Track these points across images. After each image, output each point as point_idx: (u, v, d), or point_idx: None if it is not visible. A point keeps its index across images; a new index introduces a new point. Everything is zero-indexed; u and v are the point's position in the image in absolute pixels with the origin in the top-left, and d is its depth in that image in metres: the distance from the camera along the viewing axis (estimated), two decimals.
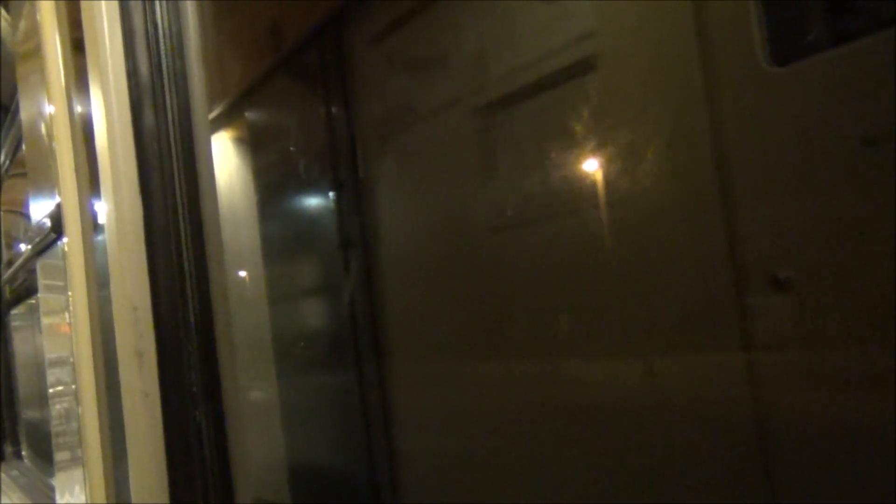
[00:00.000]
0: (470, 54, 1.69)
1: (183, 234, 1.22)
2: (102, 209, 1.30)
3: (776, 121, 1.08)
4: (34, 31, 1.76)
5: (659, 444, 1.30)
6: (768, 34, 1.10)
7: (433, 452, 1.90)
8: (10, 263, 3.26)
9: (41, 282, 2.05)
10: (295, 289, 2.53)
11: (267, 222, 2.62)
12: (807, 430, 1.07)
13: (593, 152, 1.42)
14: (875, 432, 0.98)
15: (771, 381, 1.12)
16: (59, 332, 1.82)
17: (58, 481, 2.04)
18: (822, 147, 1.03)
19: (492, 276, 1.66)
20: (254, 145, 2.64)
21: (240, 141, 2.68)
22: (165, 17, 1.26)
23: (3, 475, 3.69)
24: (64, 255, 1.58)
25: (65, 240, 1.55)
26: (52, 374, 1.96)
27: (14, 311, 3.99)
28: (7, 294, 3.85)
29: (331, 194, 2.26)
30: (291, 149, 2.48)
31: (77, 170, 1.49)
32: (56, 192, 1.59)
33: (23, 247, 2.77)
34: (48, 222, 1.66)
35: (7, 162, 3.62)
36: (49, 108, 1.63)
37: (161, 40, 1.24)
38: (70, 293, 1.53)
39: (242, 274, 2.59)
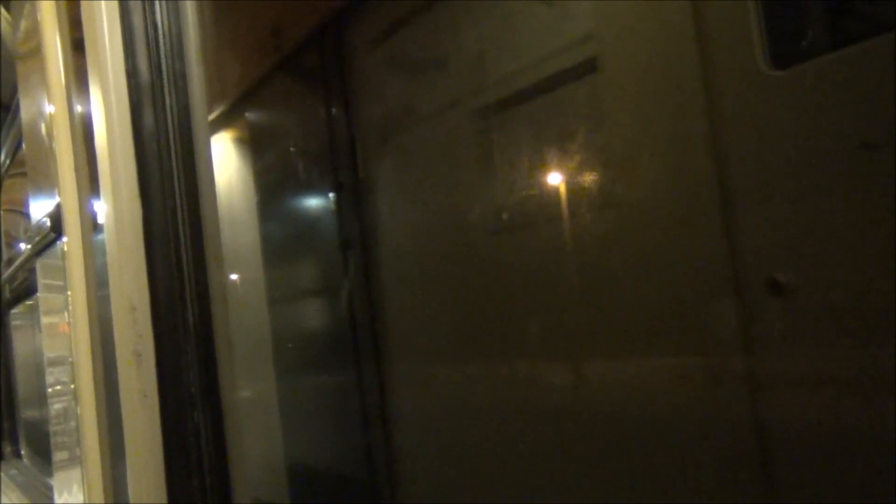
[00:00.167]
0: (470, 56, 1.69)
1: (182, 235, 1.22)
2: (102, 209, 1.30)
3: (775, 124, 1.09)
4: (34, 30, 1.76)
5: (657, 447, 1.30)
6: (768, 37, 1.10)
7: (431, 452, 1.90)
8: (9, 263, 3.26)
9: (41, 281, 2.05)
10: (294, 289, 2.53)
11: (266, 223, 2.62)
12: (806, 434, 1.08)
13: (593, 155, 1.42)
14: (874, 435, 0.98)
15: (769, 384, 1.12)
16: (58, 331, 1.82)
17: (56, 481, 2.04)
18: (821, 150, 1.03)
19: (491, 278, 1.66)
20: (254, 146, 2.64)
21: (240, 142, 2.68)
22: (165, 18, 1.26)
23: (2, 474, 3.69)
24: (63, 255, 1.58)
25: (64, 239, 1.55)
26: (51, 374, 1.96)
27: (14, 311, 3.99)
28: (7, 293, 3.85)
29: (330, 195, 2.26)
30: (291, 150, 2.48)
31: (77, 170, 1.49)
32: (56, 191, 1.59)
33: (23, 246, 2.77)
34: (48, 222, 1.66)
35: (7, 161, 3.62)
36: (49, 108, 1.63)
37: (161, 40, 1.24)
38: (69, 293, 1.53)
39: (242, 274, 2.59)
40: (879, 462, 0.98)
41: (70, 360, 1.60)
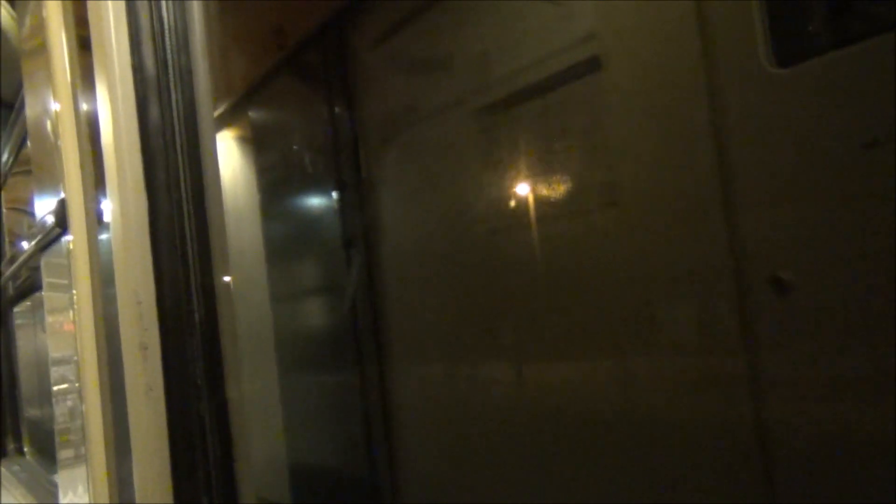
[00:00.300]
0: (472, 55, 1.69)
1: (188, 230, 1.23)
2: (107, 205, 1.30)
3: (778, 122, 1.09)
4: (39, 27, 1.77)
5: (658, 448, 1.30)
6: (771, 36, 1.10)
7: (433, 451, 1.91)
8: (13, 260, 3.26)
9: (45, 279, 2.05)
10: (296, 287, 2.54)
11: (269, 221, 2.62)
12: (808, 433, 1.08)
13: (595, 153, 1.42)
14: (877, 435, 0.98)
15: (771, 383, 1.12)
16: (62, 328, 1.83)
17: (60, 477, 2.05)
18: (824, 149, 1.03)
19: (493, 276, 1.67)
20: (256, 144, 2.65)
21: (242, 139, 2.68)
22: (171, 15, 1.27)
23: (5, 471, 3.69)
24: (68, 252, 1.59)
25: (69, 236, 1.56)
26: (55, 371, 1.96)
27: (17, 309, 3.99)
28: (10, 291, 3.85)
29: (333, 194, 2.27)
30: (294, 148, 2.49)
31: (82, 166, 1.49)
32: (61, 188, 1.59)
33: (25, 244, 2.77)
34: (52, 219, 1.66)
35: (11, 159, 3.62)
36: (54, 105, 1.63)
37: (167, 37, 1.25)
38: (74, 290, 1.53)
39: (244, 272, 2.60)
40: (883, 463, 0.98)
41: (75, 356, 1.60)
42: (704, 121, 1.18)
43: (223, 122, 2.65)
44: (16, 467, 3.71)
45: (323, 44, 2.23)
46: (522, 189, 1.60)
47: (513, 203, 1.62)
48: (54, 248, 1.83)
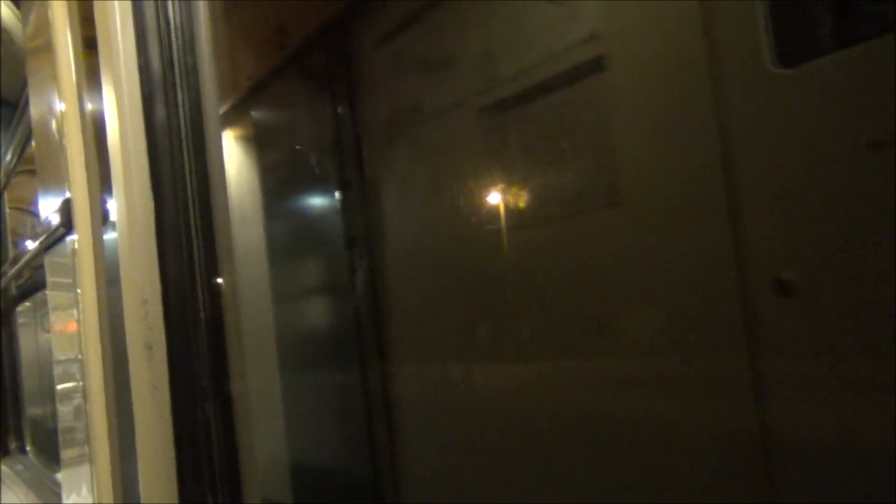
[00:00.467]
0: (476, 55, 1.69)
1: (193, 229, 1.23)
2: (113, 204, 1.31)
3: (782, 122, 1.09)
4: (44, 26, 1.77)
5: (659, 449, 1.30)
6: (775, 36, 1.10)
7: (435, 451, 1.91)
8: (16, 260, 3.27)
9: (49, 278, 2.06)
10: (299, 287, 2.54)
11: (272, 220, 2.62)
12: (811, 437, 1.08)
13: (599, 153, 1.42)
14: (882, 439, 0.98)
15: (774, 385, 1.12)
16: (66, 327, 1.83)
17: (63, 476, 2.05)
18: (828, 149, 1.03)
19: (496, 277, 1.67)
20: (259, 143, 2.65)
21: (246, 139, 2.69)
22: (177, 15, 1.27)
23: (7, 470, 3.70)
24: (73, 251, 1.59)
25: (74, 235, 1.56)
26: (59, 370, 1.97)
27: (20, 308, 4.00)
28: (13, 290, 3.86)
29: (336, 193, 2.27)
30: (298, 147, 2.49)
31: (87, 166, 1.50)
32: (65, 187, 1.59)
33: (29, 243, 2.77)
34: (57, 218, 1.67)
35: (15, 159, 3.63)
36: (59, 105, 1.63)
37: (173, 37, 1.25)
38: (79, 289, 1.54)
39: (247, 271, 2.60)
40: (888, 468, 0.98)
41: (79, 356, 1.61)
42: (708, 121, 1.18)
43: (226, 122, 2.65)
44: (18, 466, 3.71)
45: (326, 43, 2.23)
46: (525, 190, 1.60)
47: (516, 203, 1.62)
48: (59, 247, 1.83)
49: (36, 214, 2.79)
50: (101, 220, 1.48)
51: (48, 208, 1.89)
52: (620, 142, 1.36)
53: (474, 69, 1.71)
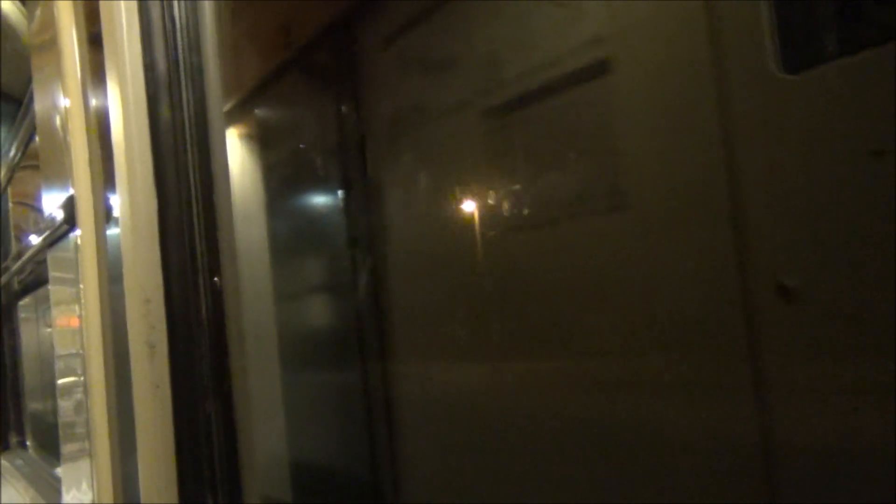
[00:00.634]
0: (481, 56, 1.69)
1: (196, 227, 1.23)
2: (116, 202, 1.31)
3: (786, 128, 1.09)
4: (49, 23, 1.77)
5: (660, 453, 1.30)
6: (780, 41, 1.10)
7: (436, 451, 1.91)
8: (19, 255, 3.27)
9: (51, 274, 2.06)
10: (301, 286, 2.54)
11: (274, 219, 2.63)
12: (813, 442, 1.07)
13: (602, 157, 1.42)
14: (884, 445, 0.98)
15: (776, 390, 1.12)
16: (68, 323, 1.83)
17: (63, 472, 2.05)
18: (831, 156, 1.03)
19: (499, 278, 1.67)
20: (263, 142, 2.65)
21: (249, 137, 2.69)
22: (183, 13, 1.27)
23: (7, 464, 3.70)
24: (76, 248, 1.59)
25: (77, 232, 1.56)
26: (60, 366, 1.97)
27: (22, 303, 4.01)
28: (16, 286, 3.86)
29: (339, 193, 2.27)
30: (301, 146, 2.49)
31: (91, 163, 1.50)
32: (69, 184, 1.60)
33: (32, 239, 2.78)
34: (60, 214, 1.67)
35: (19, 154, 3.63)
36: (64, 101, 1.63)
37: (178, 36, 1.25)
38: (82, 285, 1.54)
39: (250, 270, 2.60)
40: (890, 474, 0.97)
41: (81, 352, 1.61)
42: (711, 126, 1.18)
43: (230, 120, 2.65)
44: (18, 461, 3.72)
45: (331, 43, 2.23)
46: (528, 191, 1.60)
47: (518, 205, 1.62)
48: (62, 243, 1.84)
49: (39, 210, 2.80)
50: (105, 217, 1.48)
51: (51, 204, 1.90)
52: (624, 145, 1.36)
53: (479, 70, 1.71)
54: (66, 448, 1.95)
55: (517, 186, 1.62)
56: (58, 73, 1.67)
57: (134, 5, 1.24)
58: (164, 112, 1.24)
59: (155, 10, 1.25)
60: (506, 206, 1.65)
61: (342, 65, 2.20)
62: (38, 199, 3.12)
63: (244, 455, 1.23)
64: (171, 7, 1.26)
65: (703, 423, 1.23)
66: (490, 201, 1.69)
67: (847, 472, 1.03)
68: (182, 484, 1.19)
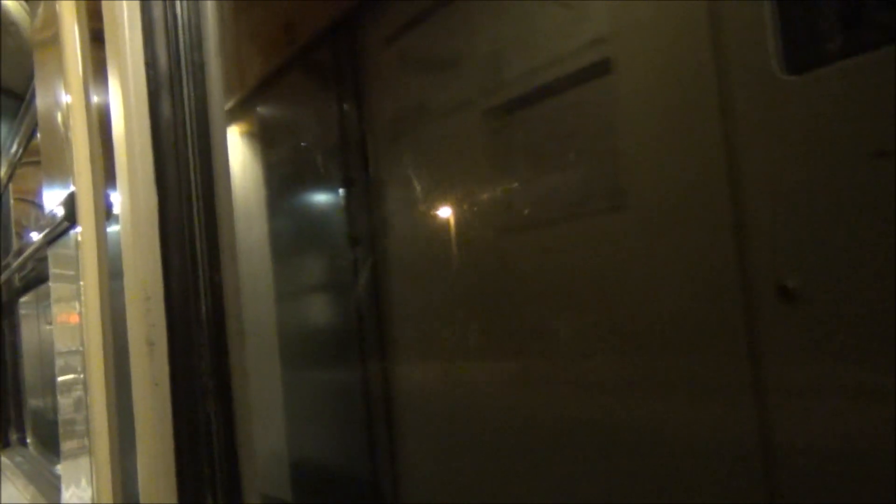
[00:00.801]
0: (483, 56, 1.69)
1: (197, 226, 1.23)
2: (117, 199, 1.31)
3: (788, 129, 1.09)
4: (52, 19, 1.77)
5: (661, 454, 1.30)
6: (783, 42, 1.10)
7: (436, 451, 1.91)
8: (20, 252, 3.27)
9: (52, 270, 2.06)
10: (302, 284, 2.54)
11: (276, 217, 2.63)
12: (813, 444, 1.07)
13: (604, 157, 1.42)
14: (884, 446, 0.98)
15: (777, 392, 1.12)
16: (69, 320, 1.83)
17: (63, 469, 2.05)
18: (834, 157, 1.03)
19: (499, 277, 1.67)
20: (265, 140, 2.65)
21: (251, 135, 2.69)
22: (184, 10, 1.27)
23: (7, 461, 3.70)
24: (77, 244, 1.59)
25: (78, 229, 1.56)
26: (61, 363, 1.97)
27: (23, 300, 4.00)
28: (16, 282, 3.86)
29: (340, 191, 2.27)
30: (303, 144, 2.49)
31: (92, 160, 1.50)
32: (70, 180, 1.59)
33: (34, 235, 2.77)
34: (61, 211, 1.67)
35: (20, 150, 3.63)
36: (66, 98, 1.63)
37: (180, 33, 1.25)
38: (82, 282, 1.54)
39: (251, 268, 2.60)
40: (890, 475, 0.97)
41: (81, 349, 1.61)
42: (713, 126, 1.18)
43: (232, 118, 2.65)
44: (18, 458, 3.72)
45: (334, 41, 2.23)
46: (529, 191, 1.60)
47: (519, 204, 1.62)
48: (63, 240, 1.83)
49: (40, 206, 2.80)
50: (105, 214, 1.48)
51: (52, 200, 1.89)
52: (625, 145, 1.36)
53: (481, 70, 1.71)
54: (66, 445, 1.95)
55: (518, 186, 1.62)
56: (60, 70, 1.67)
57: (136, 3, 1.24)
58: (166, 109, 1.24)
59: (157, 8, 1.25)
60: (506, 205, 1.64)
61: (344, 63, 2.20)
62: (39, 195, 3.11)
63: (243, 453, 1.23)
64: (172, 5, 1.26)
65: (703, 423, 1.22)
66: (491, 201, 1.69)
67: (847, 473, 1.03)
68: (181, 482, 1.19)
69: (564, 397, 1.50)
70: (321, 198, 2.43)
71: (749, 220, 1.14)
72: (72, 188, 1.58)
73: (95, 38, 1.48)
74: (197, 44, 1.26)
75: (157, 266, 1.20)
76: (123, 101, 1.25)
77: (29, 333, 4.04)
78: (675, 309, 1.26)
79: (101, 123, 1.48)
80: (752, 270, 1.14)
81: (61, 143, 1.74)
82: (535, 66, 1.56)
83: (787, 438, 1.10)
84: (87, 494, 1.63)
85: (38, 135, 2.46)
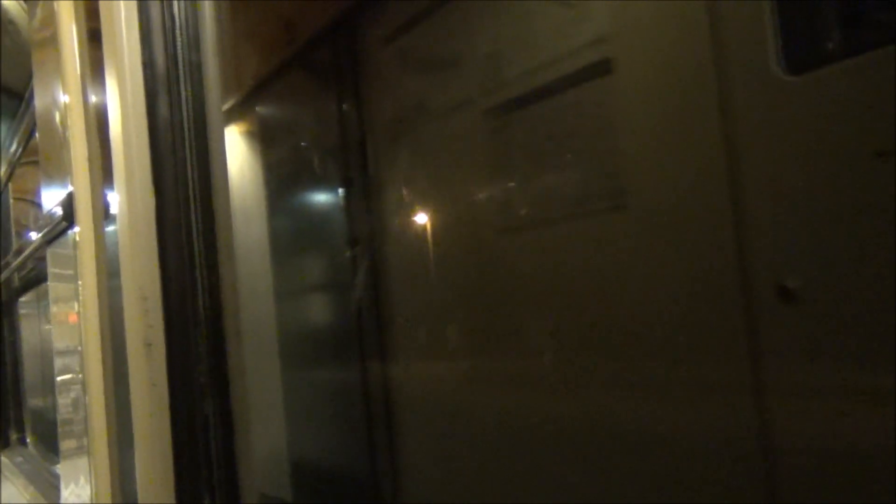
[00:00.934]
0: (482, 55, 1.69)
1: (194, 226, 1.23)
2: (115, 199, 1.30)
3: (789, 129, 1.08)
4: (50, 19, 1.77)
5: (661, 454, 1.30)
6: (783, 42, 1.09)
7: (435, 451, 1.91)
8: (19, 251, 3.27)
9: (51, 270, 2.06)
10: (302, 284, 2.54)
11: (275, 217, 2.63)
12: (813, 443, 1.07)
13: (604, 157, 1.42)
14: (883, 446, 0.98)
15: (776, 391, 1.12)
16: (67, 320, 1.83)
17: (62, 469, 2.05)
18: (835, 157, 1.03)
19: (499, 277, 1.66)
20: (264, 140, 2.65)
21: (251, 135, 2.69)
22: (182, 10, 1.27)
23: (7, 461, 3.70)
24: (75, 245, 1.59)
25: (76, 229, 1.56)
26: (59, 363, 1.97)
27: (22, 299, 4.00)
28: (16, 282, 3.86)
29: (340, 191, 2.27)
30: (302, 144, 2.49)
31: (90, 160, 1.49)
32: (68, 180, 1.59)
33: (32, 235, 2.77)
34: (60, 211, 1.66)
35: (19, 150, 3.63)
36: (64, 97, 1.63)
37: (178, 33, 1.25)
38: (80, 282, 1.53)
39: (250, 268, 2.60)
40: (890, 475, 0.97)
41: (79, 349, 1.60)
42: (714, 127, 1.18)
43: (231, 117, 2.65)
44: (18, 458, 3.72)
45: (333, 41, 2.23)
46: (529, 191, 1.59)
47: (519, 204, 1.61)
48: (61, 240, 1.83)
49: (39, 205, 2.80)
50: (104, 213, 1.48)
51: (51, 200, 1.89)
52: (626, 146, 1.36)
53: (481, 69, 1.70)
54: (66, 445, 1.95)
55: (518, 186, 1.62)
56: (57, 70, 1.67)
57: (133, 3, 1.24)
58: (163, 109, 1.23)
59: (154, 8, 1.25)
60: (506, 205, 1.64)
61: (343, 63, 2.20)
62: (38, 195, 3.11)
63: (241, 453, 1.23)
64: (170, 5, 1.26)
65: (703, 423, 1.22)
66: (491, 200, 1.69)
67: (847, 473, 1.03)
68: (179, 482, 1.19)
69: (564, 397, 1.50)
70: (320, 198, 2.43)
71: (749, 220, 1.14)
72: (70, 188, 1.58)
73: (93, 37, 1.47)
74: (194, 44, 1.25)
75: (154, 266, 1.20)
76: (121, 101, 1.25)
77: (29, 333, 4.04)
78: (676, 309, 1.26)
79: (98, 124, 1.47)
80: (753, 270, 1.13)
81: (59, 143, 1.74)
82: (535, 66, 1.56)
83: (787, 438, 1.10)
84: (86, 494, 1.63)
85: (37, 134, 2.45)
